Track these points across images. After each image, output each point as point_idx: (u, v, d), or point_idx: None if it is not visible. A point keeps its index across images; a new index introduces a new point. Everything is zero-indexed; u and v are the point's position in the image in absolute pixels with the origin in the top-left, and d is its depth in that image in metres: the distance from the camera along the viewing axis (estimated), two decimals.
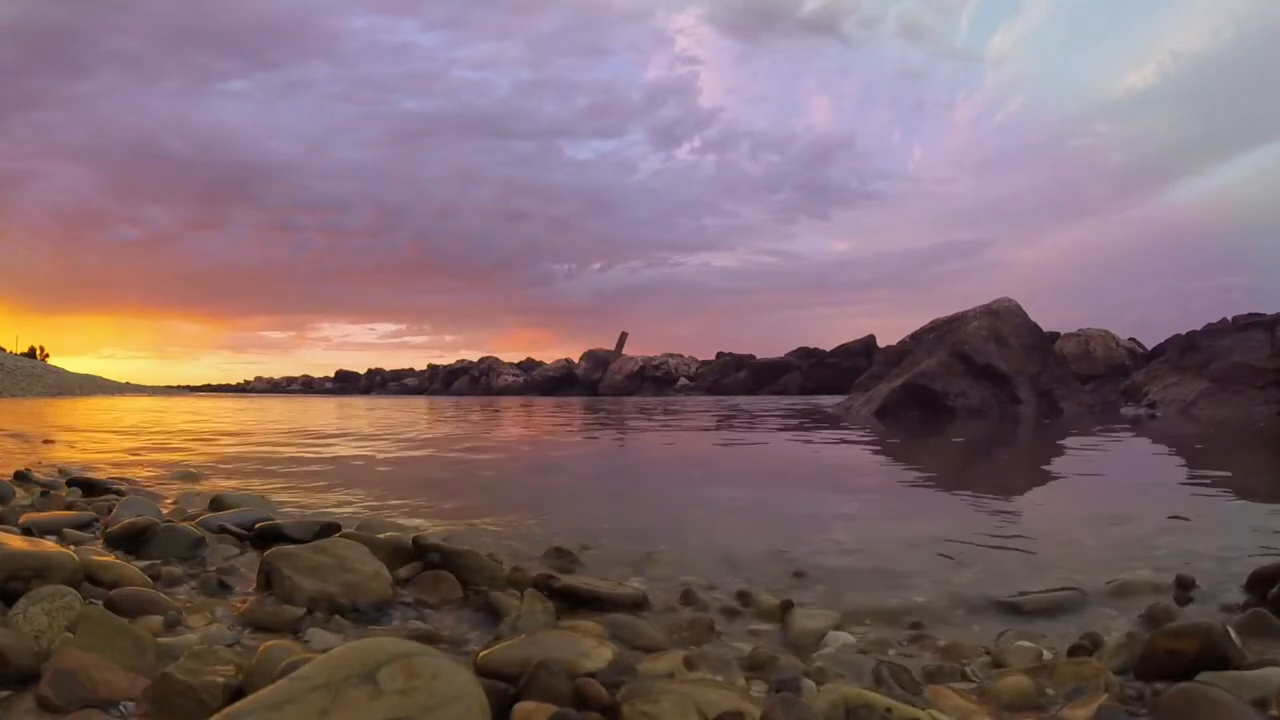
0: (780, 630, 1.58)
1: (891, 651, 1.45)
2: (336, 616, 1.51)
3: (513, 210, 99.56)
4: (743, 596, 1.80)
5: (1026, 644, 1.44)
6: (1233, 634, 1.26)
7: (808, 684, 1.16)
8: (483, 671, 1.11)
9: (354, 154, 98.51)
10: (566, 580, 1.73)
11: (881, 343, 30.33)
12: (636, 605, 1.68)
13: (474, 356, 50.77)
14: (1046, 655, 1.37)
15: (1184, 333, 15.18)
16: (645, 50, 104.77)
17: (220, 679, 1.08)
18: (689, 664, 1.31)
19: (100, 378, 40.94)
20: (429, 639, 1.40)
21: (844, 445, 6.65)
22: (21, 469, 3.58)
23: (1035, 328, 13.54)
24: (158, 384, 49.75)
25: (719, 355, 42.94)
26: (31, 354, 44.72)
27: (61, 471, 3.87)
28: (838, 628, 1.56)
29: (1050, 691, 1.20)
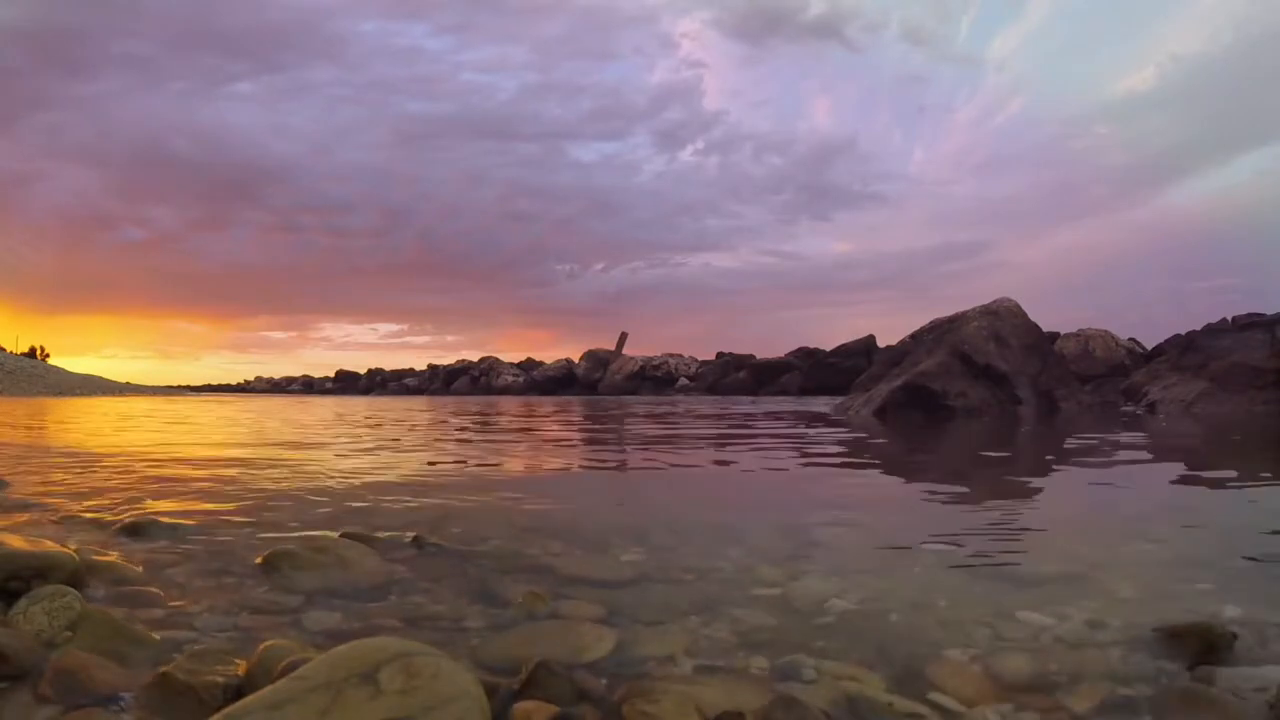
0: (781, 599, 1.56)
1: (893, 618, 1.44)
2: (333, 599, 1.51)
3: (516, 211, 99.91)
4: (744, 567, 1.79)
5: (1029, 619, 1.43)
6: (1232, 630, 1.26)
7: (807, 668, 1.16)
8: (483, 668, 1.11)
9: (359, 155, 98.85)
10: (565, 567, 1.73)
11: (881, 343, 30.37)
12: (636, 580, 1.68)
13: (475, 356, 50.82)
14: (1047, 630, 1.37)
15: (1184, 333, 15.23)
16: (650, 54, 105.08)
17: (220, 679, 1.08)
18: (689, 647, 1.30)
19: (100, 378, 40.95)
20: (427, 618, 1.40)
21: (843, 446, 6.66)
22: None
23: (1035, 328, 13.56)
24: (159, 384, 49.78)
25: (719, 355, 42.96)
26: (32, 354, 44.76)
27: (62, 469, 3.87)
28: (838, 596, 1.55)
29: (1054, 671, 1.20)
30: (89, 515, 2.39)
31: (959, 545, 2.05)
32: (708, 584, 1.64)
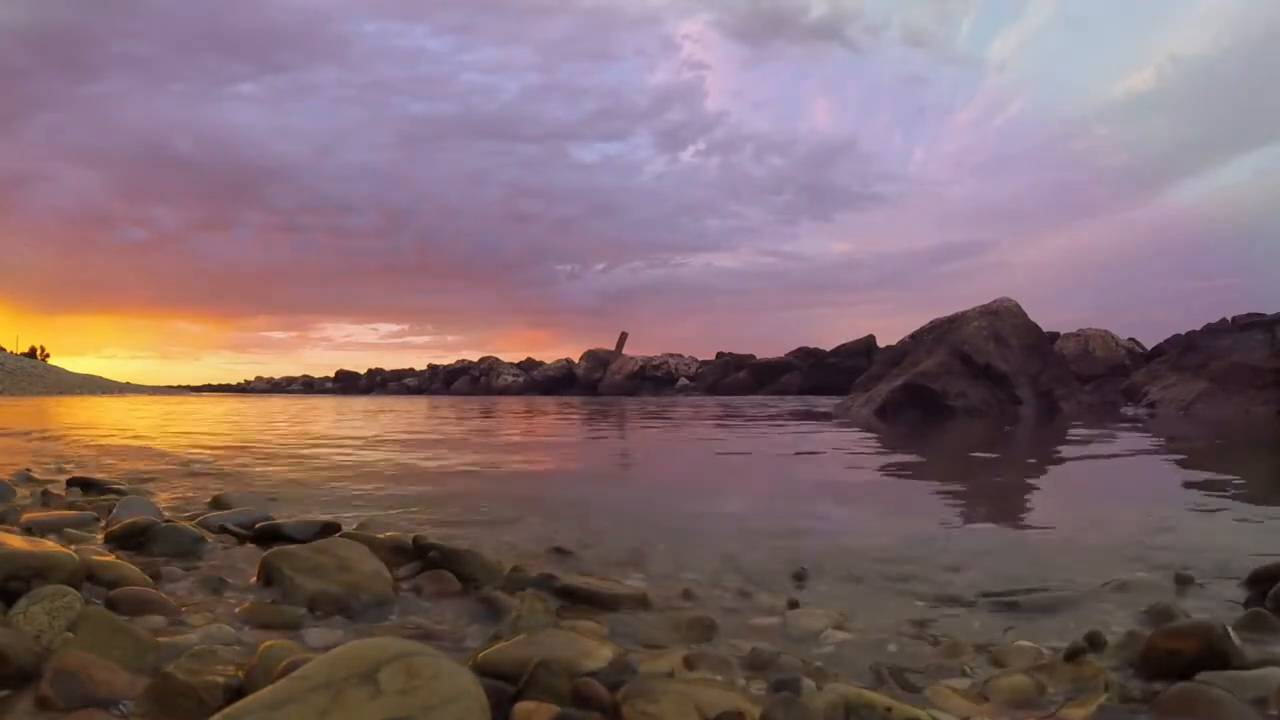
0: (780, 628, 1.58)
1: (891, 648, 1.45)
2: (336, 615, 1.51)
3: (518, 212, 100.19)
4: (743, 594, 1.80)
5: (1026, 643, 1.44)
6: (1232, 634, 1.26)
7: (807, 683, 1.17)
8: (483, 671, 1.11)
9: (361, 156, 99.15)
10: (566, 579, 1.73)
11: (881, 343, 30.40)
12: (636, 604, 1.68)
13: (475, 356, 50.81)
14: (1046, 654, 1.37)
15: (1184, 333, 15.24)
16: (652, 55, 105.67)
17: (220, 679, 1.08)
18: (689, 664, 1.31)
19: (100, 378, 41.00)
20: (428, 636, 1.40)
21: (842, 451, 6.66)
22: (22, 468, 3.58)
23: (1035, 328, 13.56)
24: (158, 384, 49.78)
25: (719, 355, 42.95)
26: (32, 354, 44.78)
27: (61, 471, 3.87)
28: (837, 626, 1.56)
29: (1050, 690, 1.20)
30: (90, 515, 2.39)
31: (957, 570, 2.05)
32: (707, 612, 1.65)
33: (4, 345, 42.25)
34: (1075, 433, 8.23)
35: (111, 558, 1.73)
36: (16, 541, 1.52)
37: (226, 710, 0.90)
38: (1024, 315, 13.41)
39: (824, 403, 18.56)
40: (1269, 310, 13.44)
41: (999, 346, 12.67)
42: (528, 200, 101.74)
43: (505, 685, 1.08)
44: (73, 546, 1.69)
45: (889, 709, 1.03)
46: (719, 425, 9.75)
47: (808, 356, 38.24)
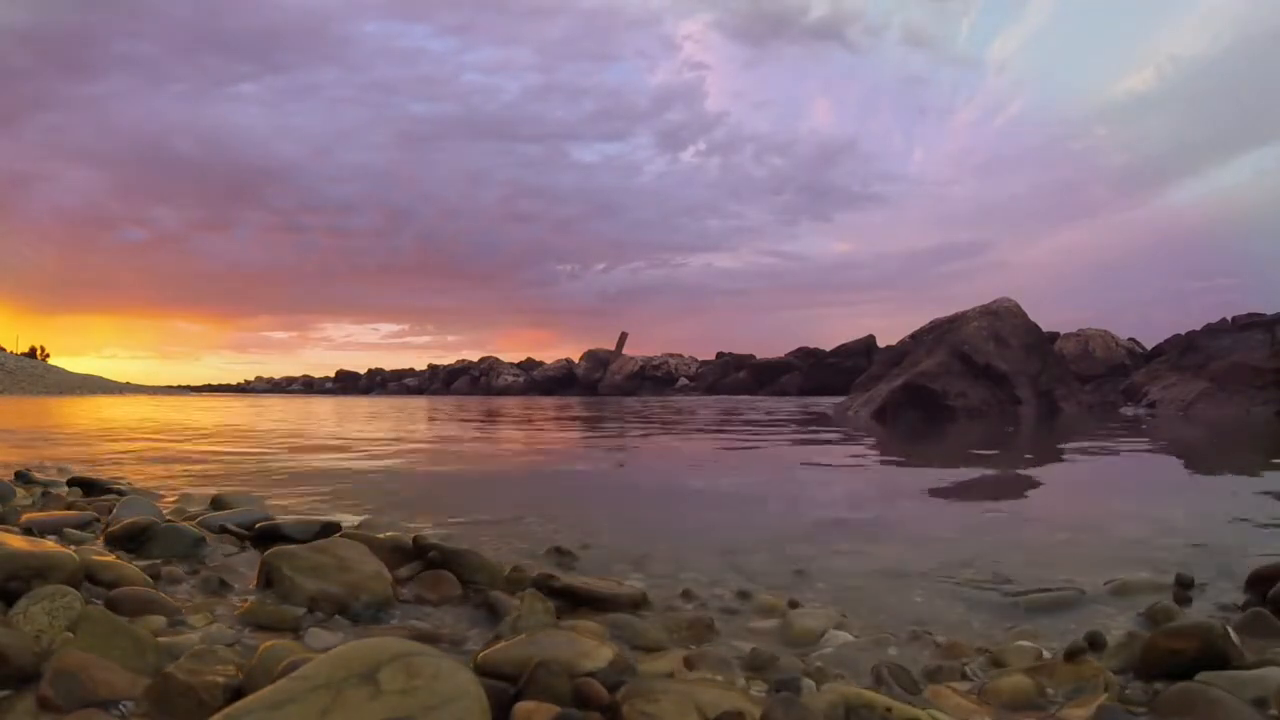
0: (780, 629, 1.58)
1: (891, 650, 1.45)
2: (336, 616, 1.51)
3: (518, 212, 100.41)
4: (743, 595, 1.80)
5: (1026, 644, 1.44)
6: (1232, 634, 1.26)
7: (807, 683, 1.17)
8: (483, 671, 1.11)
9: (362, 156, 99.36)
10: (566, 580, 1.73)
11: (882, 343, 30.40)
12: (636, 604, 1.68)
13: (475, 356, 50.81)
14: (1046, 655, 1.37)
15: (1184, 333, 15.25)
16: (653, 56, 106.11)
17: (221, 679, 1.08)
18: (689, 664, 1.30)
19: (100, 378, 41.03)
20: (429, 638, 1.40)
21: (842, 455, 6.66)
22: (22, 468, 3.58)
23: (1035, 328, 13.56)
24: (158, 384, 49.81)
25: (719, 355, 42.94)
26: (32, 354, 44.80)
27: (61, 471, 3.87)
28: (838, 627, 1.56)
29: (1050, 691, 1.20)
30: (90, 515, 2.39)
31: (958, 570, 2.05)
32: (707, 612, 1.65)
33: (4, 345, 42.32)
34: (1075, 433, 8.23)
35: (111, 558, 1.72)
36: (16, 541, 1.52)
37: (226, 710, 0.90)
38: (1024, 315, 13.41)
39: (824, 403, 18.55)
40: (1269, 310, 13.47)
41: (999, 346, 12.67)
42: (528, 200, 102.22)
43: (505, 685, 1.07)
44: (73, 547, 1.69)
45: (889, 709, 1.03)
46: (718, 426, 9.75)
47: (808, 356, 38.24)
